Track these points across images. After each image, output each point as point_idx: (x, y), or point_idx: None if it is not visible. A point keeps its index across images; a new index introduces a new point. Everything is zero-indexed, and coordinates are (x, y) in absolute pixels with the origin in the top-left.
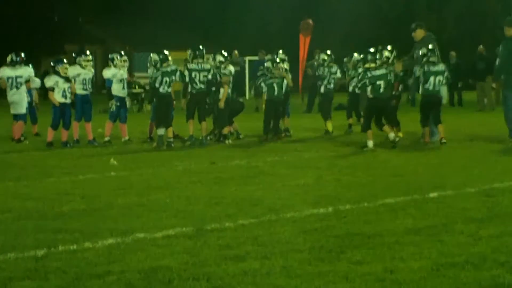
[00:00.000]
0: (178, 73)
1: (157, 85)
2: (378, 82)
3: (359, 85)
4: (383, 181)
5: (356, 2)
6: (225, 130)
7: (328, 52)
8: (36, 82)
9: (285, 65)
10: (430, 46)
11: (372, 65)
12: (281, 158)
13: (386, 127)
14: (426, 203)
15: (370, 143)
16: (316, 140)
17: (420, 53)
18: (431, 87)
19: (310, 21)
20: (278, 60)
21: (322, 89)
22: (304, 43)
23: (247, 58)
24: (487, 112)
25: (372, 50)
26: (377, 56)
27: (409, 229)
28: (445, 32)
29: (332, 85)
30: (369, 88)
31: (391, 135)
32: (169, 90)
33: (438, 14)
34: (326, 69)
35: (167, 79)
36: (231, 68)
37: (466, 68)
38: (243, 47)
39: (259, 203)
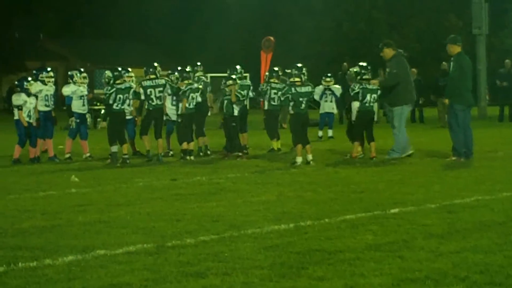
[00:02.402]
0: (132, 90)
1: (110, 101)
2: (300, 99)
3: (282, 98)
4: (344, 198)
5: (317, 19)
6: (184, 146)
7: (276, 68)
8: None
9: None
10: (363, 64)
11: (297, 79)
12: (243, 174)
13: (299, 148)
14: (386, 219)
15: (299, 159)
16: (278, 157)
17: (354, 71)
18: (367, 104)
19: (272, 38)
20: (234, 77)
21: (266, 106)
22: (265, 60)
23: (209, 75)
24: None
25: (299, 65)
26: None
27: (369, 245)
28: (406, 49)
29: (275, 102)
30: (291, 104)
31: (299, 158)
32: (123, 107)
33: (399, 31)
34: (265, 85)
35: (121, 96)
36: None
37: (427, 84)
38: (205, 64)
39: (220, 220)
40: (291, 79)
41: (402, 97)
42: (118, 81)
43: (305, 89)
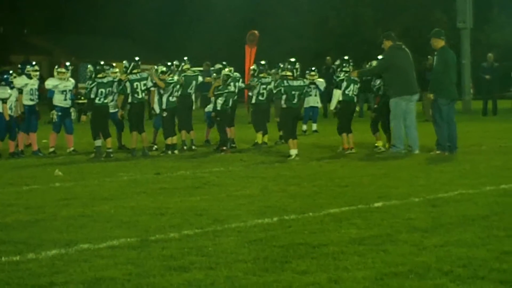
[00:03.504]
0: (115, 84)
1: (92, 95)
2: (293, 92)
3: (275, 91)
4: (328, 192)
5: (303, 14)
6: (168, 141)
7: (263, 62)
8: None
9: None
10: (345, 57)
11: (289, 73)
12: (227, 168)
13: (291, 141)
14: (370, 213)
15: (293, 152)
16: (262, 151)
17: (336, 63)
18: (350, 94)
19: (256, 32)
20: (227, 70)
21: (253, 100)
22: (250, 54)
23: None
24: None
25: (292, 59)
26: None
27: (353, 239)
28: None
29: (264, 97)
30: (283, 97)
31: (293, 151)
32: (106, 101)
33: (385, 27)
34: (256, 79)
35: (103, 90)
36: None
37: None
38: (190, 59)
39: (204, 214)
40: (283, 73)
41: (394, 89)
42: (99, 75)
43: (298, 82)
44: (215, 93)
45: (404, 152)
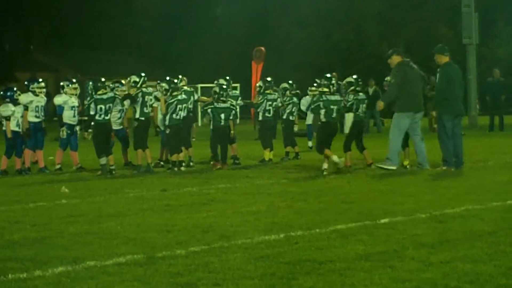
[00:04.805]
0: (116, 100)
1: (91, 112)
2: (332, 107)
3: (313, 106)
4: (335, 208)
5: (307, 29)
6: (174, 158)
7: (269, 79)
8: None
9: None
10: (354, 76)
11: (326, 89)
12: (233, 185)
13: (329, 154)
14: (377, 229)
15: (326, 165)
16: (268, 167)
17: (346, 82)
18: (360, 114)
19: (263, 49)
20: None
21: (260, 117)
22: (256, 70)
23: (199, 86)
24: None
25: (328, 75)
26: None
27: (360, 255)
28: None
29: (270, 113)
30: (322, 112)
31: (335, 157)
32: (107, 117)
33: (389, 41)
34: (261, 96)
35: (102, 107)
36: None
37: None
38: (194, 74)
39: (211, 230)
40: (320, 89)
41: (399, 105)
42: (99, 92)
43: (335, 97)
44: (202, 109)
45: (395, 168)
